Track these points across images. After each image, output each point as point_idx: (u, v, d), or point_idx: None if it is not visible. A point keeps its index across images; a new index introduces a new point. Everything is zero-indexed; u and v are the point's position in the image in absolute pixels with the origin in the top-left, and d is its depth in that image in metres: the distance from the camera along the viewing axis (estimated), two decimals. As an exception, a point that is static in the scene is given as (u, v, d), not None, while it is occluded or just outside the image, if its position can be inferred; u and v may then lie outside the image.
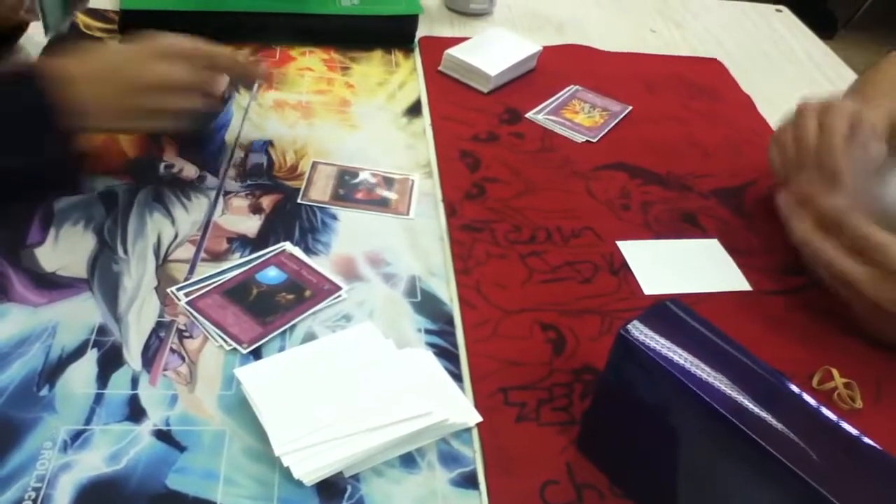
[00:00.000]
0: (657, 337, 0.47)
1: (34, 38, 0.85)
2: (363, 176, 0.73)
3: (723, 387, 0.44)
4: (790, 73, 1.05)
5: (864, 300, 0.59)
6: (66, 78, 0.58)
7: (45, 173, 0.60)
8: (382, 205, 0.70)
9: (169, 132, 0.71)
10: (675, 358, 0.45)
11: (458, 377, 0.56)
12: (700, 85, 0.98)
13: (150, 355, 0.55)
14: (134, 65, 0.62)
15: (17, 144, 0.57)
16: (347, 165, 0.74)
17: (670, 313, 0.49)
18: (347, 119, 0.82)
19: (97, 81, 0.60)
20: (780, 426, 0.42)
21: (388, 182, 0.73)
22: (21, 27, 0.79)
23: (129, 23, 0.87)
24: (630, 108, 0.90)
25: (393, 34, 0.94)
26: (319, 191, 0.70)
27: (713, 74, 1.01)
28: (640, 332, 0.47)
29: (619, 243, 0.71)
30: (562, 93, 0.91)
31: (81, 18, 0.89)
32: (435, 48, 0.94)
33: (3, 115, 0.57)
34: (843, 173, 0.62)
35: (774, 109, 0.94)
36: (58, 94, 0.57)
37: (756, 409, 0.43)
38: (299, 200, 0.69)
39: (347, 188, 0.71)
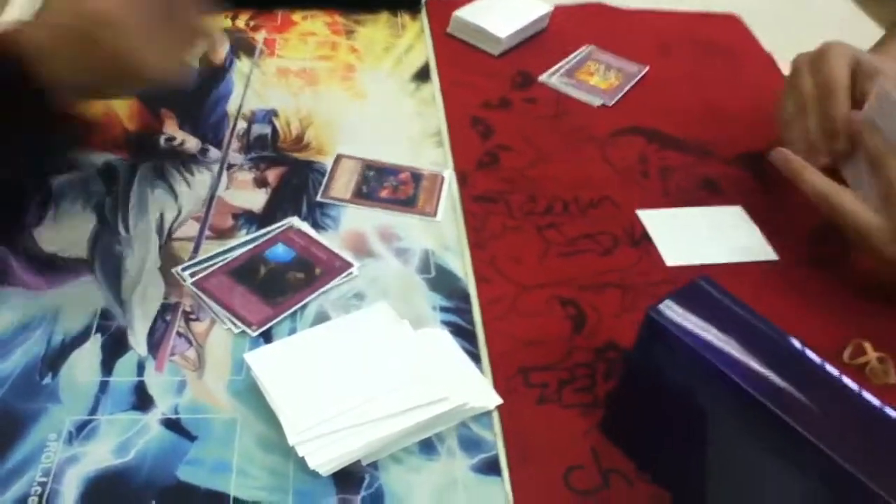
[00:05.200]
0: (688, 316, 0.44)
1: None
2: (389, 171, 0.68)
3: (755, 368, 0.42)
4: (814, 30, 1.00)
5: (881, 254, 0.57)
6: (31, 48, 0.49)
7: (29, 146, 0.54)
8: (408, 204, 0.65)
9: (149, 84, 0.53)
10: (707, 339, 0.43)
11: (475, 357, 0.54)
12: (718, 43, 0.94)
13: (155, 339, 0.53)
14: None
15: None
16: (373, 160, 0.69)
17: (701, 292, 0.46)
18: (353, 86, 0.78)
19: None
20: (815, 408, 0.40)
21: (416, 178, 0.68)
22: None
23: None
24: (647, 68, 0.87)
25: (398, -5, 0.91)
26: (341, 188, 0.66)
27: (732, 32, 0.97)
28: (671, 312, 0.44)
29: (639, 212, 0.68)
30: (576, 53, 0.88)
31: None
32: (443, 9, 0.90)
33: None
34: (845, 121, 0.61)
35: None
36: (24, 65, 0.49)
37: (790, 391, 0.41)
38: (319, 198, 0.64)
39: (371, 185, 0.67)
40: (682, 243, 0.66)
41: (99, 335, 0.52)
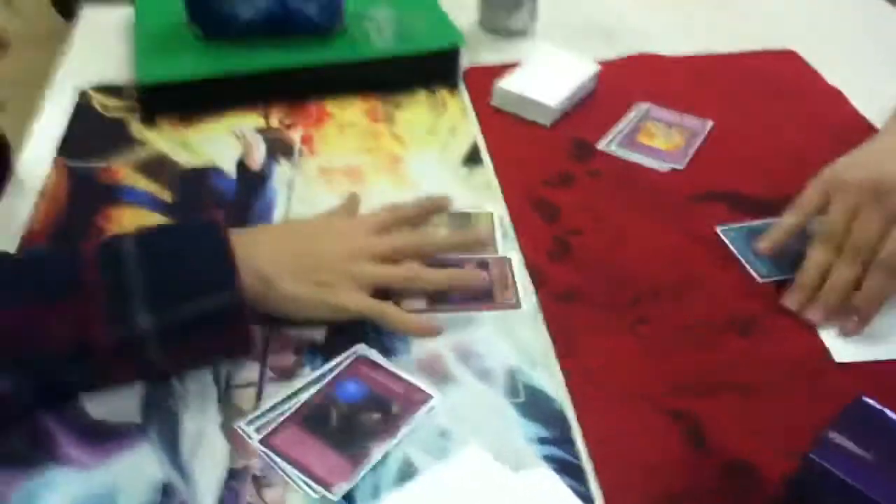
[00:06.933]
0: (854, 451, 0.37)
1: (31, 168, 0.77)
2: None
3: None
4: (874, 54, 0.93)
5: None
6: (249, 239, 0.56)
7: (217, 330, 0.53)
8: (486, 300, 0.59)
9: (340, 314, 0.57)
10: (879, 478, 0.36)
11: (589, 500, 0.47)
12: (781, 83, 0.87)
13: (226, 515, 0.46)
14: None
15: (190, 290, 0.52)
16: (436, 258, 0.62)
17: (862, 414, 0.39)
18: (402, 178, 0.73)
19: (278, 242, 0.58)
20: None
21: (483, 267, 0.62)
22: None
23: (150, 98, 0.79)
24: (711, 122, 0.80)
25: (435, 71, 0.85)
26: (411, 296, 0.59)
27: (792, 69, 0.90)
28: (835, 448, 0.37)
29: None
30: (631, 115, 0.81)
31: (96, 98, 0.82)
32: (481, 79, 0.85)
33: (182, 261, 0.53)
34: None
35: (870, 98, 0.83)
36: (236, 251, 0.53)
37: None
38: None
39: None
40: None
41: (163, 517, 0.46)
